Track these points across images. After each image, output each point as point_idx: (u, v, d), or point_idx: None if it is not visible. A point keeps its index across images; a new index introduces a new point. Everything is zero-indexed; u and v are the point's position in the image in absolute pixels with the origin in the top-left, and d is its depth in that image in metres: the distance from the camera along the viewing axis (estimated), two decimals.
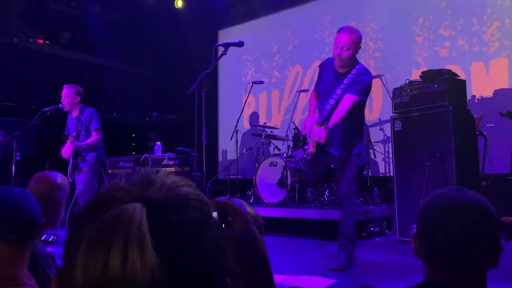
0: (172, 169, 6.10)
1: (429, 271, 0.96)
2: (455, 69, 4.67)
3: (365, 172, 5.72)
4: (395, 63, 6.06)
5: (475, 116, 4.27)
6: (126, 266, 0.42)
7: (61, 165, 4.79)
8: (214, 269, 0.50)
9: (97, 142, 4.92)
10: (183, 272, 0.46)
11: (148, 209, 0.46)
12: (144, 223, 0.44)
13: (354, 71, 3.28)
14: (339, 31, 3.31)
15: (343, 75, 3.35)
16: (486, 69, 5.41)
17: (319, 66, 3.69)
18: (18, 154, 4.54)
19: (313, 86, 3.78)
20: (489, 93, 5.36)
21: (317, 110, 3.57)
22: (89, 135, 4.92)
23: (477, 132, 4.28)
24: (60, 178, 1.84)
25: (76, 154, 4.88)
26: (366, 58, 6.31)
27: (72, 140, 4.75)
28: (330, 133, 3.30)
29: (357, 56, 3.42)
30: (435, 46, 5.81)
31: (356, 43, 3.25)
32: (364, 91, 3.29)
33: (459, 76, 4.35)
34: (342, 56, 3.24)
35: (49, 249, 1.71)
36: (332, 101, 3.34)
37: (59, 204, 1.79)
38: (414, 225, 1.00)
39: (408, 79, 4.44)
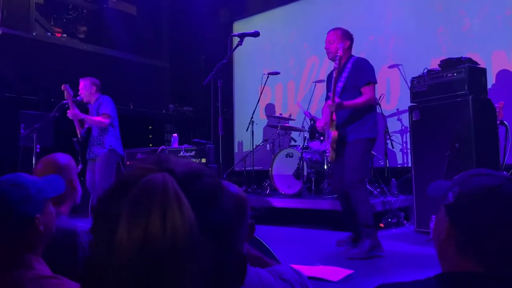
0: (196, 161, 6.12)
1: (457, 259, 0.91)
2: (475, 57, 4.57)
3: (382, 163, 5.67)
4: (413, 52, 5.95)
5: (496, 105, 4.18)
6: (166, 225, 0.47)
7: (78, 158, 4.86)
8: (232, 228, 0.58)
9: (100, 123, 4.78)
10: (209, 228, 0.53)
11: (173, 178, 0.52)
12: (177, 186, 0.51)
13: (349, 65, 3.49)
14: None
15: (341, 71, 3.56)
16: (508, 57, 5.29)
17: (326, 80, 3.96)
18: (38, 146, 4.62)
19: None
20: (511, 81, 5.24)
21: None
22: None
23: (498, 122, 4.18)
24: (65, 158, 1.89)
25: (88, 141, 4.84)
26: (385, 42, 6.23)
27: (71, 105, 4.58)
28: (340, 114, 3.47)
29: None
30: (455, 33, 5.69)
31: (339, 36, 3.60)
32: (371, 74, 3.51)
33: (479, 64, 4.25)
34: (329, 49, 3.61)
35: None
36: (335, 94, 3.45)
37: (71, 181, 1.83)
38: (433, 216, 0.94)
39: (426, 68, 4.36)
